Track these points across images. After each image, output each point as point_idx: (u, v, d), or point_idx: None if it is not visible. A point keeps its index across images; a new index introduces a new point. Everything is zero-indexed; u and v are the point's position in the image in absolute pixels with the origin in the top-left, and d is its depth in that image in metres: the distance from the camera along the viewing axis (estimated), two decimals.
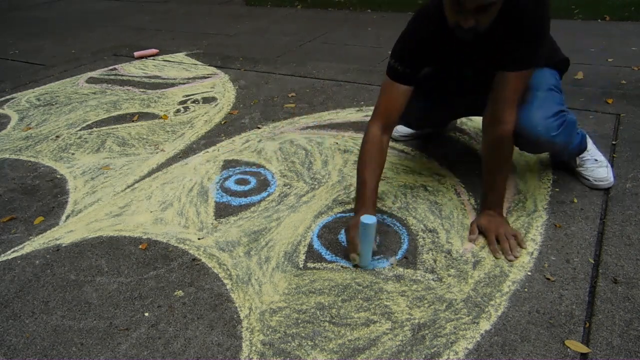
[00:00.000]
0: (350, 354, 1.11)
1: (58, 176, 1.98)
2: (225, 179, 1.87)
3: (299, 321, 1.21)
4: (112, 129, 2.39)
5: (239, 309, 1.25)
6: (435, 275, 1.32)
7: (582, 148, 1.65)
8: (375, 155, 1.45)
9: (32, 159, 2.14)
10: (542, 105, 1.37)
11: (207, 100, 2.67)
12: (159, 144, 2.20)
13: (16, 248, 1.56)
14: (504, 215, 1.49)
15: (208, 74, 3.10)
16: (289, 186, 1.79)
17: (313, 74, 2.97)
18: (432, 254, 1.40)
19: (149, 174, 1.95)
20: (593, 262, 1.33)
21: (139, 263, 1.45)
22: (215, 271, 1.39)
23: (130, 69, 3.30)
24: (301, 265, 1.39)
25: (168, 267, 1.42)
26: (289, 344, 1.14)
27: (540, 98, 1.39)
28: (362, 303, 1.25)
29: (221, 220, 1.62)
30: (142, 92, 2.86)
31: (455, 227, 1.51)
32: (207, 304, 1.28)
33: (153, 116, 2.50)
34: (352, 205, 1.64)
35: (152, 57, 3.53)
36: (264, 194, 1.75)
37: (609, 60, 3.05)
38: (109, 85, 3.02)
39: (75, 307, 1.30)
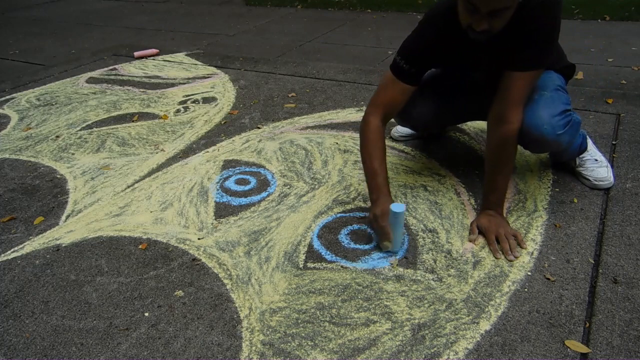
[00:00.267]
0: (350, 354, 1.11)
1: (58, 176, 1.98)
2: (225, 179, 1.87)
3: (299, 321, 1.21)
4: (112, 129, 2.39)
5: (239, 309, 1.25)
6: (435, 275, 1.32)
7: (583, 149, 1.65)
8: (381, 145, 1.46)
9: (32, 159, 2.14)
10: (548, 104, 1.37)
11: (207, 100, 2.67)
12: (159, 144, 2.20)
13: (16, 248, 1.56)
14: (504, 215, 1.49)
15: (208, 74, 3.10)
16: (289, 186, 1.79)
17: (313, 74, 2.97)
18: (432, 254, 1.40)
19: (149, 174, 1.95)
20: (593, 262, 1.33)
21: (139, 263, 1.45)
22: (215, 271, 1.39)
23: (130, 69, 3.30)
24: (301, 265, 1.39)
25: (168, 267, 1.42)
26: (289, 344, 1.14)
27: (547, 97, 1.39)
28: (362, 303, 1.25)
29: (221, 220, 1.62)
30: (142, 92, 2.86)
31: (455, 227, 1.51)
32: (207, 304, 1.28)
33: (153, 116, 2.50)
34: (352, 205, 1.64)
35: (152, 57, 3.53)
36: (264, 194, 1.75)
37: (609, 60, 3.05)
38: (109, 85, 3.02)
39: (75, 307, 1.30)
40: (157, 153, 2.12)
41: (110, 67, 3.36)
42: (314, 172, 1.87)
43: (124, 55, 3.61)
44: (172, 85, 2.94)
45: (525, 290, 1.25)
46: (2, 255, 1.53)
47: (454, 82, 1.64)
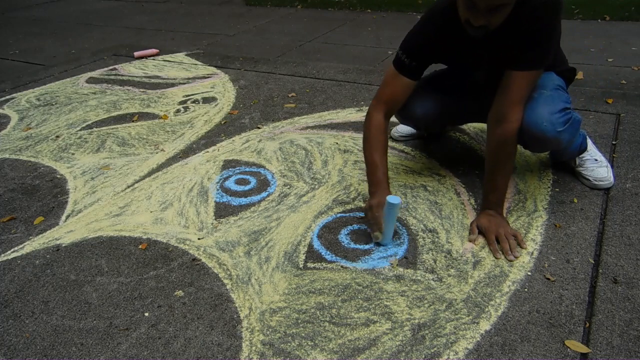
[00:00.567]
0: (350, 354, 1.11)
1: (58, 176, 1.98)
2: (225, 179, 1.87)
3: (299, 321, 1.21)
4: (112, 129, 2.39)
5: (239, 309, 1.25)
6: (435, 275, 1.32)
7: (583, 148, 1.65)
8: (383, 140, 1.49)
9: (32, 159, 2.14)
10: (548, 102, 1.38)
11: (207, 100, 2.67)
12: (159, 144, 2.20)
13: (16, 248, 1.56)
14: (504, 215, 1.49)
15: (208, 74, 3.10)
16: (289, 186, 1.79)
17: (313, 74, 2.97)
18: (432, 254, 1.40)
19: (149, 174, 1.95)
20: (593, 262, 1.33)
21: (139, 263, 1.45)
22: (215, 271, 1.39)
23: (130, 69, 3.30)
24: (301, 265, 1.39)
25: (168, 267, 1.42)
26: (289, 344, 1.14)
27: (547, 95, 1.40)
28: (362, 303, 1.25)
29: (221, 220, 1.62)
30: (142, 92, 2.86)
31: (455, 227, 1.51)
32: (207, 304, 1.28)
33: (153, 116, 2.50)
34: (352, 205, 1.64)
35: (152, 57, 3.53)
36: (264, 194, 1.75)
37: (609, 60, 3.05)
38: (109, 85, 3.02)
39: (75, 307, 1.30)
40: (157, 153, 2.12)
41: (110, 67, 3.36)
42: (314, 172, 1.87)
43: (124, 55, 3.61)
44: (172, 85, 2.94)
45: (525, 290, 1.25)
46: (2, 255, 1.53)
47: (455, 82, 1.65)
